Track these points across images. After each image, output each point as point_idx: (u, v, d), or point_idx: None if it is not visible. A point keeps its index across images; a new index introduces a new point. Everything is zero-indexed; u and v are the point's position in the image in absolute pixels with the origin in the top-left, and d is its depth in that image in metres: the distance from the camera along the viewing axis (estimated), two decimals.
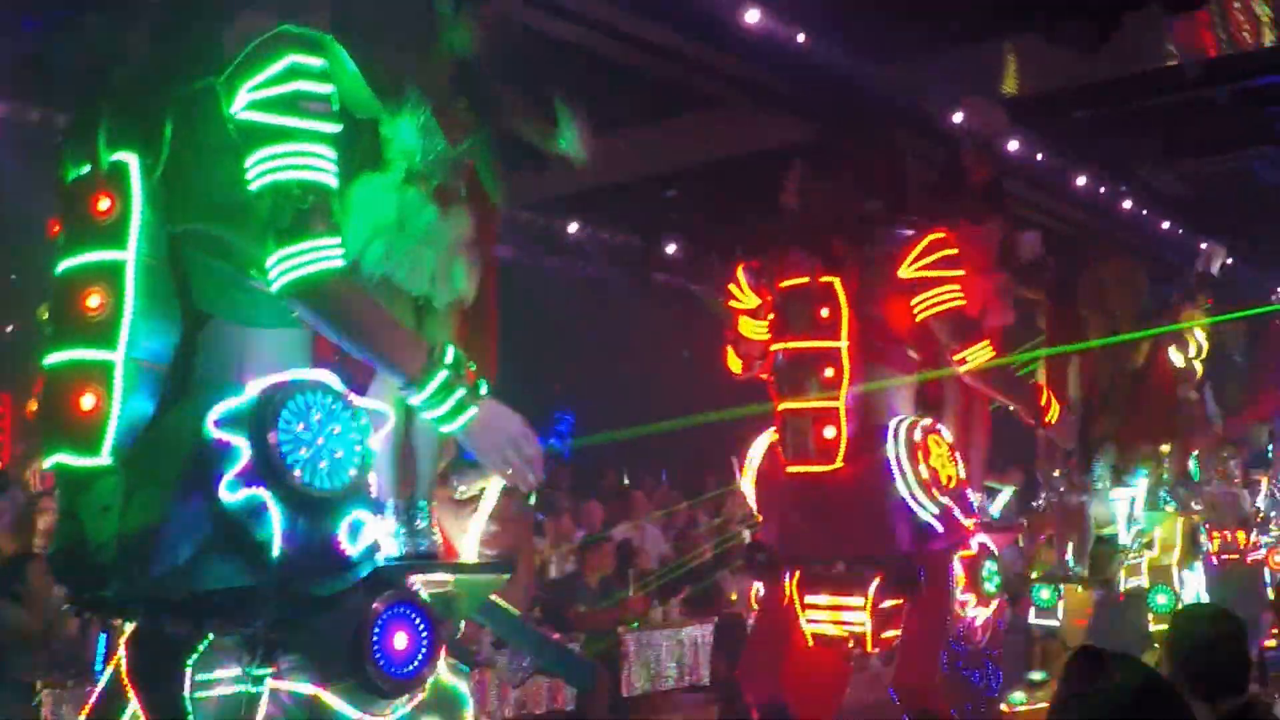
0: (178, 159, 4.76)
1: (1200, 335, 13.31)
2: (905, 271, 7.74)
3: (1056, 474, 12.07)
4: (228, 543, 4.48)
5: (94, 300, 4.63)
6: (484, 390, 4.88)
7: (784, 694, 7.84)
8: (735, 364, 8.41)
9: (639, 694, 12.13)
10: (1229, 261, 13.87)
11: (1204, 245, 13.59)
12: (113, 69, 5.02)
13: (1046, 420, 8.58)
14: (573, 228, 17.31)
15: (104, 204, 4.69)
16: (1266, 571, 13.16)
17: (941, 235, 7.81)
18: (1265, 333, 15.16)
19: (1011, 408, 8.73)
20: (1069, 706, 3.35)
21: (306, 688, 4.65)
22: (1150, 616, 11.96)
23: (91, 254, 4.69)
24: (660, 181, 15.00)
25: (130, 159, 4.73)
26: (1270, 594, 13.11)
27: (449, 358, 4.78)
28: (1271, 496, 13.05)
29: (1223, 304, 14.56)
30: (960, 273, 7.87)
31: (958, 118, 10.71)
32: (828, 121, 11.57)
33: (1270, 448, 14.65)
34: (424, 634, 4.82)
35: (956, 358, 8.00)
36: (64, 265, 4.76)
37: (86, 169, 4.82)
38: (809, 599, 7.80)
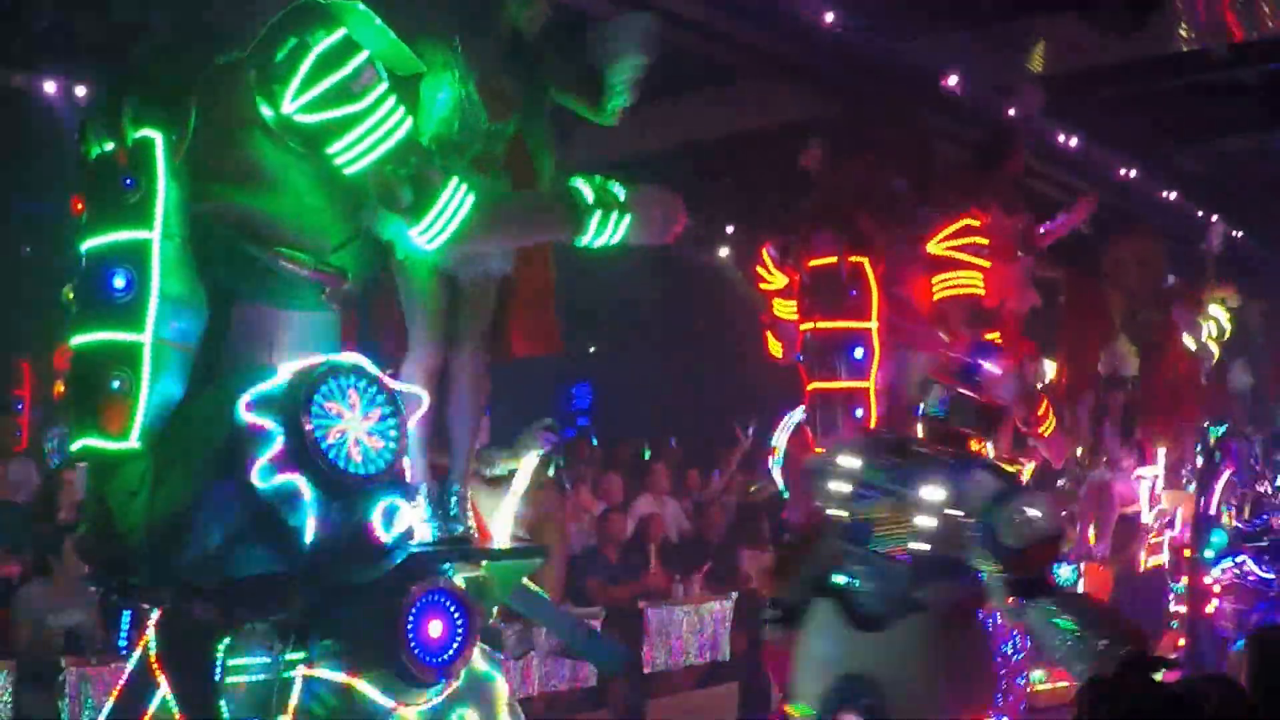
0: (203, 135, 4.64)
1: (1222, 317, 13.16)
2: (933, 247, 7.59)
3: (1079, 452, 11.93)
4: (259, 529, 4.37)
5: (120, 280, 4.48)
6: (623, 195, 5.04)
7: None
8: (776, 348, 8.27)
9: (660, 670, 12.03)
10: (1236, 236, 13.70)
11: (1211, 224, 13.43)
12: (135, 44, 4.88)
13: (1039, 431, 8.48)
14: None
15: (129, 182, 4.53)
16: None
17: (976, 222, 7.66)
18: None
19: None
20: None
21: (339, 676, 4.54)
22: (1171, 596, 11.84)
23: (117, 233, 4.54)
24: (681, 153, 14.81)
25: (155, 136, 4.58)
26: None
27: (588, 196, 4.97)
28: None
29: (1242, 285, 14.42)
30: (986, 264, 7.73)
31: (986, 98, 10.57)
32: (852, 98, 11.40)
33: None
34: (459, 622, 4.70)
35: None
36: (89, 244, 4.61)
37: (110, 146, 4.66)
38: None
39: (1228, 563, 9.62)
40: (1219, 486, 10.06)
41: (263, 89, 4.54)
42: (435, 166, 4.72)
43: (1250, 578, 9.53)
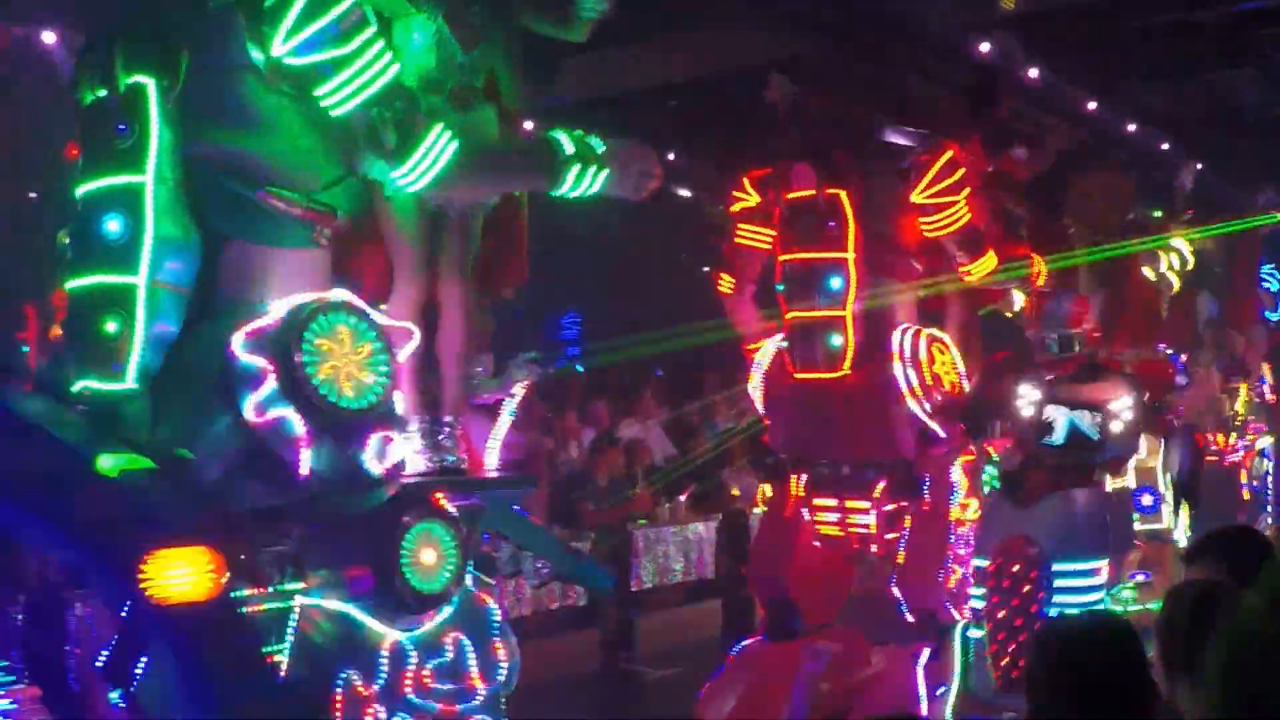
0: (195, 80, 4.54)
1: (1185, 249, 13.10)
2: (918, 197, 7.52)
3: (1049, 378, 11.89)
4: (255, 463, 4.32)
5: (114, 224, 4.39)
6: (601, 149, 4.98)
7: (789, 591, 7.69)
8: (726, 285, 8.17)
9: (647, 589, 12.08)
10: (1199, 170, 13.63)
11: (1181, 162, 13.36)
12: None
13: (1038, 285, 8.53)
14: None
15: (122, 127, 4.43)
16: (1243, 473, 13.00)
17: (951, 156, 7.57)
18: (1241, 245, 14.94)
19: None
20: (1036, 668, 3.20)
21: (335, 604, 4.48)
22: (1136, 516, 11.83)
23: (111, 178, 4.44)
24: (662, 92, 14.68)
25: (148, 82, 4.47)
26: (1246, 495, 12.96)
27: (568, 148, 4.90)
28: (1250, 402, 12.85)
29: (1202, 218, 14.35)
30: (967, 190, 7.65)
31: (960, 35, 10.44)
32: (829, 36, 11.25)
33: (1246, 355, 14.47)
34: (451, 549, 4.65)
35: (964, 269, 7.80)
36: (84, 190, 4.52)
37: (104, 92, 4.55)
38: (817, 501, 7.63)
39: None
40: None
41: (254, 32, 4.45)
42: (420, 111, 4.63)
43: None
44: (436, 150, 4.59)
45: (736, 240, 8.06)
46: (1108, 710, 3.05)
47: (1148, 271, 12.63)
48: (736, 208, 8.04)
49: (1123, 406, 7.62)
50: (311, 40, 4.40)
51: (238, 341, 4.29)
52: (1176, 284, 13.13)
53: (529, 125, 5.84)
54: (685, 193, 18.67)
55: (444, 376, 5.25)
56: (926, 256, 7.96)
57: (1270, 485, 13.30)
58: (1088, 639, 3.16)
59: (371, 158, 4.71)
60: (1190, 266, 12.98)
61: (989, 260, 7.86)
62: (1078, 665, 3.11)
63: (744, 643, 7.82)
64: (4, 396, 4.58)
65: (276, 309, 4.37)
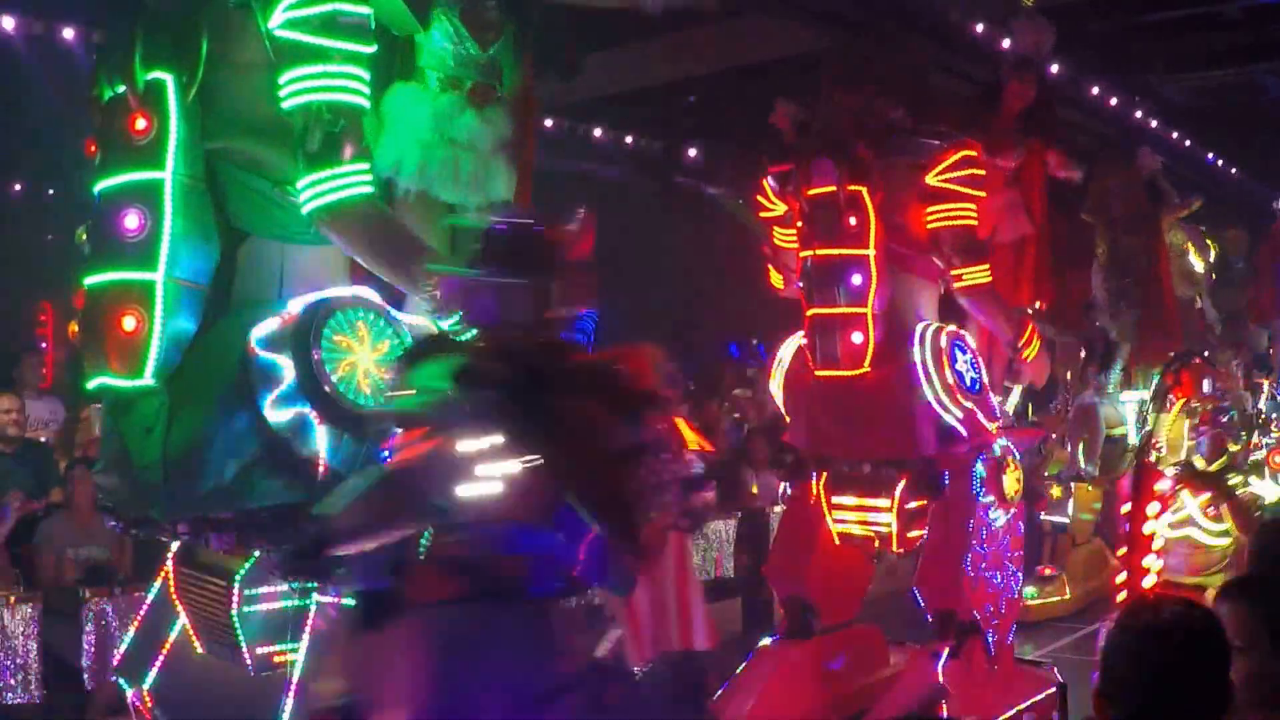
0: (213, 76, 4.53)
1: (1208, 242, 13.06)
2: (931, 179, 7.46)
3: (1069, 376, 11.89)
4: (273, 460, 4.31)
5: (133, 220, 4.40)
6: None
7: (808, 590, 7.67)
8: (777, 280, 8.14)
9: None
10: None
11: (1140, 150, 13.25)
12: None
13: (1023, 356, 8.25)
14: (597, 132, 16.90)
15: (141, 123, 4.45)
16: (1266, 471, 12.90)
17: (973, 153, 7.52)
18: (1265, 238, 14.85)
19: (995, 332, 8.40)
20: (1121, 644, 3.12)
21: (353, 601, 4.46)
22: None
23: (129, 174, 4.45)
24: (682, 87, 14.65)
25: (166, 78, 4.47)
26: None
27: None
28: (1273, 399, 12.78)
29: (1226, 214, 14.28)
30: (981, 194, 7.59)
31: (979, 28, 10.38)
32: (849, 30, 11.21)
33: (1271, 351, 14.41)
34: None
35: (954, 273, 7.71)
36: (102, 185, 4.52)
37: (122, 88, 4.55)
38: (836, 499, 7.59)
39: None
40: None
41: (263, 6, 4.43)
42: (361, 144, 4.50)
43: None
44: (347, 180, 4.40)
45: (775, 243, 8.06)
46: (1175, 707, 3.01)
47: (1196, 262, 12.57)
48: (765, 215, 8.03)
49: (484, 451, 3.69)
50: (308, 19, 4.37)
51: (256, 338, 4.29)
52: (1211, 277, 13.10)
53: (549, 122, 5.83)
54: (711, 190, 18.70)
55: None
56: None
57: None
58: (1169, 628, 3.09)
59: (288, 158, 4.54)
60: (1213, 260, 12.95)
61: (982, 273, 7.72)
62: (1155, 651, 3.05)
63: (762, 642, 7.80)
64: None
65: (295, 306, 4.37)
